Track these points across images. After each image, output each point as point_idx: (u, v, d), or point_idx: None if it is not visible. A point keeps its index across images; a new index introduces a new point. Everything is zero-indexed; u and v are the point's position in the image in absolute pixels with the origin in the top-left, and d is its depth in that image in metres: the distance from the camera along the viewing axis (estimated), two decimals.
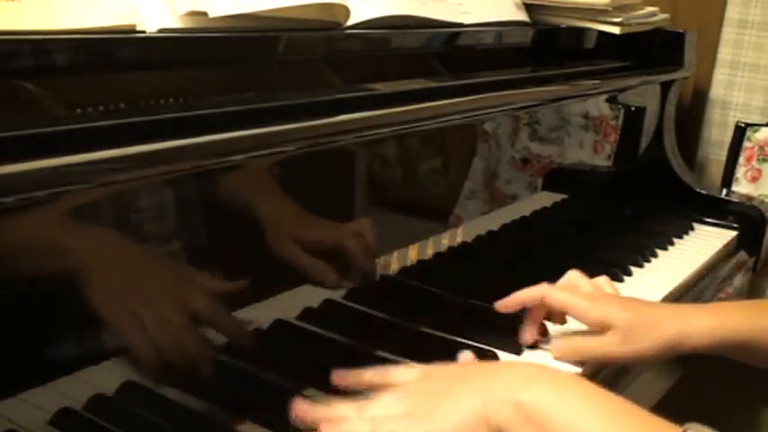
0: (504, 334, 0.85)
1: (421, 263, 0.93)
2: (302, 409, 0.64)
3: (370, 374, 0.69)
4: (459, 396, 0.60)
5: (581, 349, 0.81)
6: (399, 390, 0.65)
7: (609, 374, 0.85)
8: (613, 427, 0.54)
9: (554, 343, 0.83)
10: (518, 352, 0.83)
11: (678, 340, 0.78)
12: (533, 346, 0.84)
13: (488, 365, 0.70)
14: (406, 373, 0.67)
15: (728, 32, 1.62)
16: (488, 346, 0.83)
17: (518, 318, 0.89)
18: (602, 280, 0.88)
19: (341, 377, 0.70)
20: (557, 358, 0.81)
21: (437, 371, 0.67)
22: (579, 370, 0.80)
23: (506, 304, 0.83)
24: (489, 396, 0.58)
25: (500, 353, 0.82)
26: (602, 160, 1.32)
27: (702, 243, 1.27)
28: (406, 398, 0.63)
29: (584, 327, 0.82)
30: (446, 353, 0.77)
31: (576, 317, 0.81)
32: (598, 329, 0.79)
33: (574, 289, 0.84)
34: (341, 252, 0.81)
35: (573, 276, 0.86)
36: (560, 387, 0.58)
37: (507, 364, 0.70)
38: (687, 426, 0.53)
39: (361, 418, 0.62)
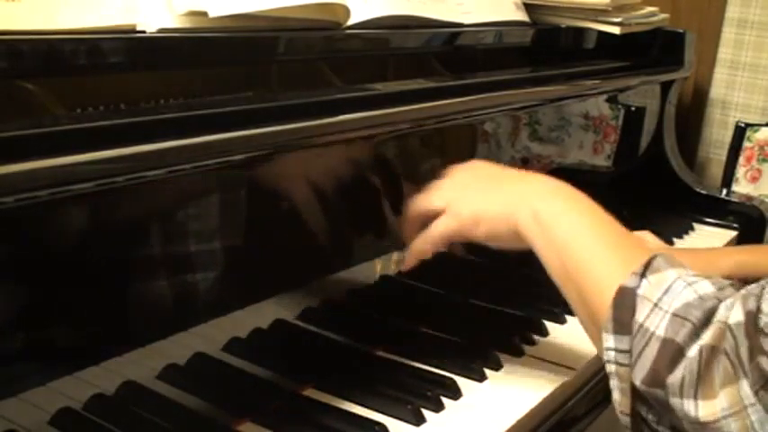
0: (503, 334, 0.85)
1: (421, 263, 0.93)
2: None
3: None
4: (493, 193, 0.73)
5: None
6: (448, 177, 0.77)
7: None
8: (600, 241, 0.64)
9: None
10: (519, 354, 0.83)
11: None
12: None
13: (523, 175, 0.78)
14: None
15: (728, 32, 1.62)
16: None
17: (518, 318, 0.89)
18: (648, 234, 1.01)
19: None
20: None
21: (480, 169, 0.79)
22: None
23: None
24: (515, 200, 0.71)
25: (501, 354, 0.82)
26: (602, 160, 1.31)
27: (702, 243, 1.27)
28: (451, 186, 0.76)
29: None
30: (445, 352, 0.77)
31: None
32: None
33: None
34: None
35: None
36: (570, 202, 0.69)
37: (536, 178, 0.77)
38: (655, 254, 0.61)
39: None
